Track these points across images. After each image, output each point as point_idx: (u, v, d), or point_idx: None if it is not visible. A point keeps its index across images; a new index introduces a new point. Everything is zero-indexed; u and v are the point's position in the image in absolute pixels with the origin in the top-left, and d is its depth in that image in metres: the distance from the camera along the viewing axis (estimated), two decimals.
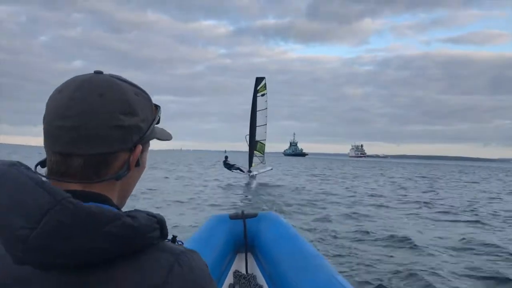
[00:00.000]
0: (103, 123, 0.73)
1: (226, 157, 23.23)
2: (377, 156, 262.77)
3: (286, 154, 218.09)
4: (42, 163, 0.79)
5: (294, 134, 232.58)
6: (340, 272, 2.26)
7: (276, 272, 2.22)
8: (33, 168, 0.75)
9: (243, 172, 22.65)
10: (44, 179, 0.70)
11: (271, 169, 25.11)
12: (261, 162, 22.92)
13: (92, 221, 0.65)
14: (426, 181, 33.32)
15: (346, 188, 21.93)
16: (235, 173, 23.17)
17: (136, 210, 0.74)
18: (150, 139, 0.83)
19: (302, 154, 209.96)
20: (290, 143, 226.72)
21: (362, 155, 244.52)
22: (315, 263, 2.12)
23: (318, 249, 2.51)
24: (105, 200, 0.75)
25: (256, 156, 22.66)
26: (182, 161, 63.34)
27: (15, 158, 0.85)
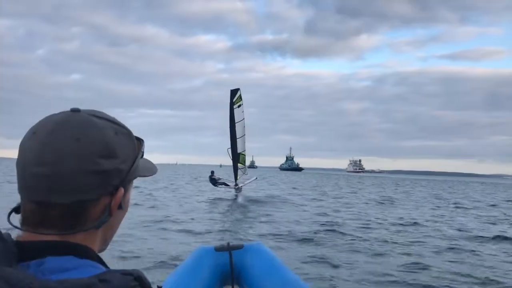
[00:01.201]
0: (80, 170, 0.68)
1: (212, 172, 23.12)
2: (373, 171, 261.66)
3: (282, 168, 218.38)
4: (16, 209, 0.74)
5: (290, 148, 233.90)
6: None
7: None
8: (6, 216, 0.72)
9: (229, 185, 22.47)
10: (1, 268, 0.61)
11: (256, 178, 25.11)
12: (244, 174, 22.91)
13: None
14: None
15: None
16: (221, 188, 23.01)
17: (109, 271, 0.66)
18: (133, 179, 0.78)
19: (298, 169, 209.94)
20: (287, 158, 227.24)
21: (360, 170, 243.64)
22: None
23: (305, 281, 2.82)
24: (85, 252, 0.70)
25: (238, 168, 22.55)
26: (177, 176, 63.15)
27: (12, 171, 0.85)
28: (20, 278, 0.58)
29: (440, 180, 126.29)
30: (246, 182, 22.85)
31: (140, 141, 0.81)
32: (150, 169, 0.85)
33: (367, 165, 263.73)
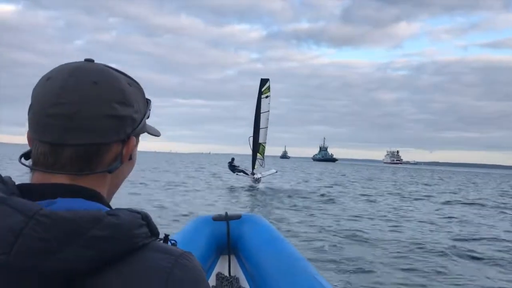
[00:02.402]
0: (97, 112, 0.69)
1: (232, 159, 23.17)
2: (408, 163, 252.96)
3: (315, 159, 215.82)
4: (26, 155, 0.73)
5: (324, 138, 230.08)
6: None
7: (259, 274, 2.22)
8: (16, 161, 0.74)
9: (247, 174, 22.44)
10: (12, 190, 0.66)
11: (276, 171, 24.73)
12: (261, 165, 22.57)
13: (72, 230, 0.59)
14: None
15: None
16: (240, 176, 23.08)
17: (116, 209, 0.67)
18: (142, 133, 0.79)
19: (332, 160, 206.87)
20: (320, 148, 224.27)
21: (398, 161, 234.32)
22: (297, 265, 2.13)
23: (301, 251, 2.49)
24: (95, 196, 0.70)
25: (257, 158, 22.37)
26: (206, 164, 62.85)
27: None
28: (29, 206, 0.59)
29: (484, 172, 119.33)
30: (265, 174, 22.43)
31: (148, 101, 0.81)
32: (156, 131, 0.86)
33: (403, 157, 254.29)
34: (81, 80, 0.70)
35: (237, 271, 2.55)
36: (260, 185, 20.91)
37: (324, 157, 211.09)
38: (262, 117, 22.21)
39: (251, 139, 22.26)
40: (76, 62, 0.74)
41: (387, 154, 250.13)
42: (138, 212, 0.67)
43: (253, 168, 22.25)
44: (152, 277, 0.63)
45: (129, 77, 0.77)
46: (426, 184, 36.95)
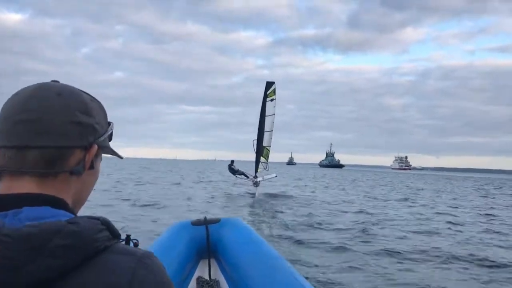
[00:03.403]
0: (61, 118, 0.74)
1: (232, 162, 22.95)
2: (415, 168, 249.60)
3: (321, 165, 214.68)
4: None
5: (331, 144, 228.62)
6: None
7: (239, 277, 2.24)
8: None
9: (247, 177, 22.17)
10: None
11: (276, 176, 24.49)
12: (265, 169, 22.26)
13: (35, 244, 0.63)
14: None
15: None
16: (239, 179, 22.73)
17: (76, 217, 0.71)
18: (104, 146, 0.82)
19: (339, 166, 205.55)
20: (327, 154, 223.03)
21: (406, 167, 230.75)
22: (277, 266, 2.15)
23: (280, 252, 2.50)
24: (61, 204, 0.74)
25: (260, 162, 22.06)
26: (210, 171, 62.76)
27: None
28: None
29: (492, 178, 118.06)
30: (265, 177, 22.05)
31: (109, 123, 0.85)
32: (118, 154, 0.90)
33: (411, 162, 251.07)
34: (46, 91, 0.76)
35: (218, 274, 2.55)
36: (258, 190, 20.47)
37: (331, 163, 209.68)
38: (267, 120, 21.95)
39: (255, 142, 21.98)
40: (41, 83, 0.79)
41: (396, 160, 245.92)
42: (97, 218, 0.71)
43: (256, 171, 21.90)
44: (116, 278, 0.66)
45: (92, 96, 0.83)
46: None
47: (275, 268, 2.14)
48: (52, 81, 0.81)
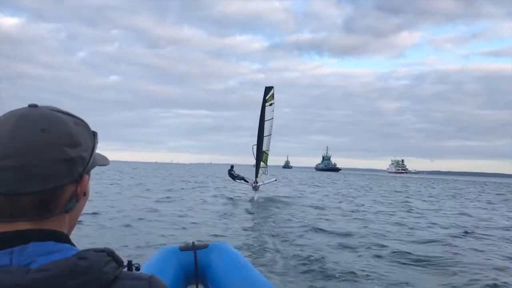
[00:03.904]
0: (49, 159, 0.71)
1: (232, 167, 23.05)
2: (410, 172, 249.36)
3: (318, 169, 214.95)
4: None
5: (327, 147, 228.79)
6: None
7: None
8: None
9: (247, 182, 22.27)
10: None
11: (275, 180, 24.75)
12: (263, 173, 22.37)
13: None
14: None
15: None
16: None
17: (82, 250, 0.73)
18: (93, 167, 0.82)
19: (335, 169, 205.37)
20: (323, 157, 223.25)
21: (403, 171, 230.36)
22: None
23: (268, 278, 2.60)
24: (61, 237, 0.75)
25: (260, 166, 22.18)
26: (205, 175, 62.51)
27: None
28: (11, 278, 0.64)
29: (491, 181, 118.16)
30: (265, 182, 22.26)
31: (94, 133, 0.83)
32: (105, 159, 0.88)
33: (407, 166, 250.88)
34: (28, 129, 0.71)
35: None
36: (257, 195, 20.48)
37: (327, 166, 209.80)
38: (266, 124, 22.07)
39: (255, 147, 22.08)
40: (20, 109, 0.75)
41: (392, 163, 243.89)
42: (103, 250, 0.73)
43: (256, 176, 22.01)
44: None
45: (75, 116, 0.79)
46: None
47: None
48: (30, 105, 0.77)
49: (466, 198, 30.15)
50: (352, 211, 16.61)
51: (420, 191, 37.40)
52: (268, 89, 22.49)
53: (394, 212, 17.20)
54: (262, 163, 22.25)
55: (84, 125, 0.81)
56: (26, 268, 0.66)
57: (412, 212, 17.39)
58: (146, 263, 2.49)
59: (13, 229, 0.71)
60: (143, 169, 77.30)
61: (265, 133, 22.06)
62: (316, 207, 17.46)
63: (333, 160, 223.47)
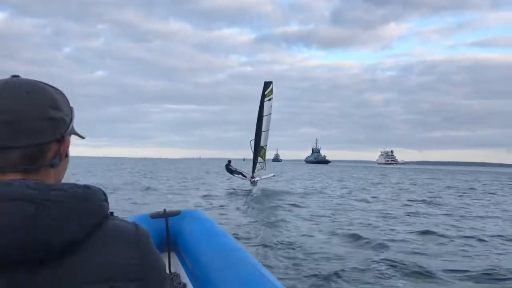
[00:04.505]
0: (35, 116, 0.78)
1: (229, 161, 23.04)
2: (399, 163, 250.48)
3: (308, 161, 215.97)
4: None
5: (316, 140, 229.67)
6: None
7: (199, 269, 2.21)
8: None
9: (245, 177, 22.29)
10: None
11: (274, 175, 24.53)
12: (262, 168, 22.39)
13: (67, 206, 0.73)
14: None
15: None
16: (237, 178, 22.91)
17: (83, 184, 0.80)
18: (73, 133, 0.89)
19: (325, 162, 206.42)
20: (313, 150, 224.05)
21: (393, 161, 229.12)
22: (238, 257, 2.13)
23: (243, 244, 2.57)
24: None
25: (258, 162, 22.18)
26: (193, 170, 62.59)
27: None
28: (29, 192, 0.72)
29: (472, 170, 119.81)
30: (262, 177, 22.20)
31: (71, 108, 0.90)
32: (80, 134, 0.93)
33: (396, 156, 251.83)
34: (14, 91, 0.79)
35: (178, 268, 2.52)
36: (255, 190, 20.41)
37: (316, 159, 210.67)
38: (265, 120, 22.02)
39: (253, 142, 22.10)
40: (3, 79, 0.82)
41: (381, 155, 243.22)
42: (99, 188, 0.81)
43: (253, 171, 22.08)
44: (126, 237, 0.80)
45: (54, 87, 0.87)
46: None
47: (237, 260, 2.11)
48: (12, 76, 0.84)
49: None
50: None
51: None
52: (267, 84, 22.37)
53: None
54: (260, 158, 22.24)
55: (64, 96, 0.88)
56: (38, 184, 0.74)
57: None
58: None
59: (5, 178, 0.76)
60: (129, 165, 75.32)
61: (263, 128, 22.01)
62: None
63: (323, 152, 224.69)
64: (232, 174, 22.82)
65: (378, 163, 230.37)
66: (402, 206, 16.61)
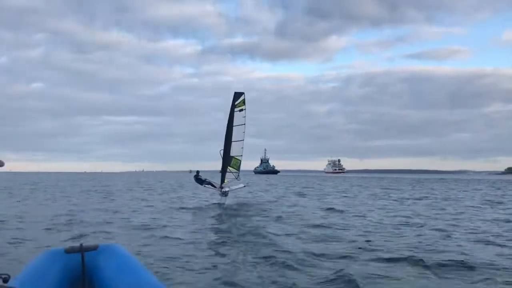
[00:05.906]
0: None
1: (198, 172, 22.74)
2: (346, 172, 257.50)
3: (256, 172, 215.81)
4: None
5: (265, 150, 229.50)
6: None
7: None
8: None
9: (215, 187, 21.98)
10: None
11: (244, 186, 24.24)
12: (236, 178, 22.16)
13: None
14: None
15: None
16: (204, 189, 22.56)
17: None
18: None
19: (274, 172, 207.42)
20: (261, 160, 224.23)
21: (340, 170, 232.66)
22: None
23: (161, 280, 2.43)
24: None
25: (231, 172, 21.97)
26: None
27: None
28: None
29: (412, 178, 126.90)
30: (233, 188, 21.94)
31: None
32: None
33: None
34: None
35: None
36: (228, 201, 20.41)
37: (265, 169, 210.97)
38: (237, 130, 21.98)
39: (222, 152, 21.87)
40: None
41: (329, 163, 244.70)
42: None
43: (222, 182, 21.81)
44: None
45: None
46: None
47: None
48: None
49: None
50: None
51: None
52: (237, 95, 22.44)
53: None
54: (232, 169, 22.03)
55: None
56: None
57: None
58: (26, 268, 2.31)
59: None
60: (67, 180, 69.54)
61: (235, 138, 21.93)
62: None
63: (271, 162, 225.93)
64: (201, 184, 22.36)
65: (326, 172, 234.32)
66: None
